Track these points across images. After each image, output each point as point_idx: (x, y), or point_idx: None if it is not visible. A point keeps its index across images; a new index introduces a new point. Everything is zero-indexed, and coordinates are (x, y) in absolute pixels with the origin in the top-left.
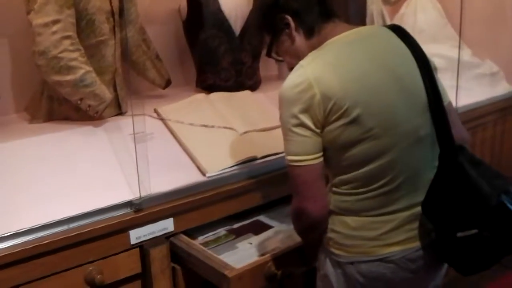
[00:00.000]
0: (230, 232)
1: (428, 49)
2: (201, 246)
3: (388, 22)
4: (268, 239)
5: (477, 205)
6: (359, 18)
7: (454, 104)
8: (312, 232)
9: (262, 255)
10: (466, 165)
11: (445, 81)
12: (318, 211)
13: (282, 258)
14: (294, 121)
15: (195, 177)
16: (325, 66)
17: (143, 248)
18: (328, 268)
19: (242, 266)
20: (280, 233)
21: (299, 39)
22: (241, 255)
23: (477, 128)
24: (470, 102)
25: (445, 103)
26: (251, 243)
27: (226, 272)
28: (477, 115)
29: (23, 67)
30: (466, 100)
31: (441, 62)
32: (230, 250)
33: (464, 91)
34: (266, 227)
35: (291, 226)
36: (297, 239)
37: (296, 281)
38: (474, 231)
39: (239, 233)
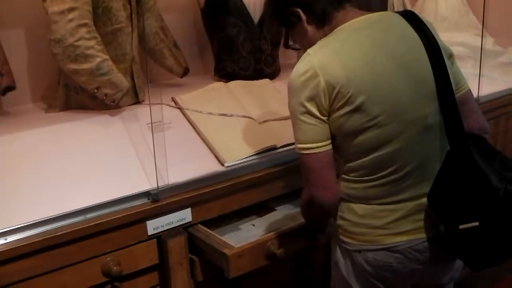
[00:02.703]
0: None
1: (451, 37)
2: (205, 228)
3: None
4: (270, 220)
5: (484, 197)
6: (380, 6)
7: (476, 93)
8: (321, 219)
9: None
10: (476, 156)
11: (468, 69)
12: (328, 199)
13: (282, 238)
14: (301, 109)
15: (213, 166)
16: (331, 54)
17: (161, 239)
18: (338, 256)
19: (241, 245)
20: (283, 214)
21: (312, 30)
22: (244, 236)
23: (500, 118)
24: (493, 91)
25: (463, 91)
26: (253, 225)
27: (225, 251)
28: (500, 104)
29: (39, 56)
30: (489, 89)
31: (464, 50)
32: (233, 232)
33: (487, 80)
34: (270, 209)
35: (294, 208)
36: (299, 220)
37: (316, 273)
38: (475, 223)
39: (242, 215)
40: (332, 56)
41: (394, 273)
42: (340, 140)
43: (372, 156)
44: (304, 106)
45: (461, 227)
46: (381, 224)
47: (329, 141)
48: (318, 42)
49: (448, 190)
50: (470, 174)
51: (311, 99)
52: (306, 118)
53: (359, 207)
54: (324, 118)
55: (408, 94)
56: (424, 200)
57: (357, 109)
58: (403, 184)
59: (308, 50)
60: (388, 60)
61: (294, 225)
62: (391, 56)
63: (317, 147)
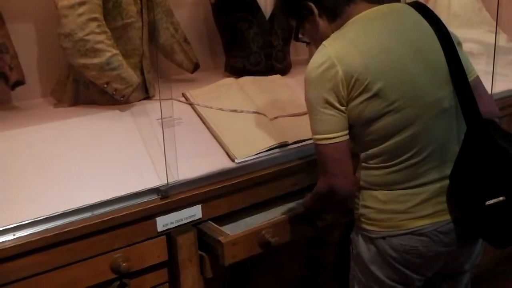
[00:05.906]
0: None
1: (463, 34)
2: (215, 225)
3: None
4: (277, 213)
5: (508, 172)
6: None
7: (489, 90)
8: (336, 209)
9: None
10: (497, 137)
11: (480, 66)
12: (348, 187)
13: (277, 227)
14: (320, 100)
15: (223, 163)
16: (346, 44)
17: (170, 235)
18: (360, 245)
19: (236, 233)
20: (283, 206)
21: (323, 24)
22: (243, 226)
23: None
24: (506, 88)
25: (472, 78)
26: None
27: (220, 238)
28: None
29: (49, 51)
30: (502, 86)
31: (477, 47)
32: (233, 222)
33: (500, 77)
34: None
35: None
36: (297, 211)
37: (325, 271)
38: (502, 198)
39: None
40: (348, 46)
41: (420, 257)
42: (358, 128)
43: (391, 141)
44: (323, 97)
45: (487, 203)
46: (405, 209)
47: (347, 131)
48: (332, 34)
49: (470, 169)
50: (490, 152)
51: (330, 89)
52: (325, 109)
53: (381, 194)
54: (343, 108)
55: (423, 79)
56: (446, 182)
57: (375, 95)
58: (423, 168)
59: (324, 42)
60: (403, 46)
61: (290, 214)
62: (406, 42)
63: (336, 137)
